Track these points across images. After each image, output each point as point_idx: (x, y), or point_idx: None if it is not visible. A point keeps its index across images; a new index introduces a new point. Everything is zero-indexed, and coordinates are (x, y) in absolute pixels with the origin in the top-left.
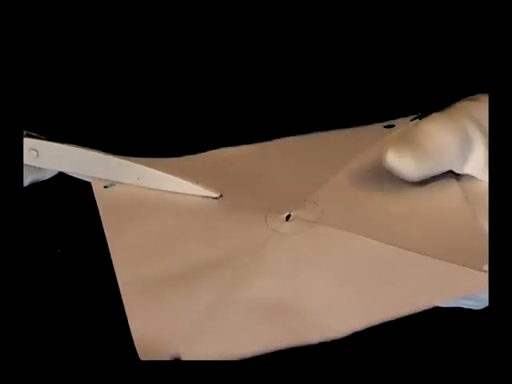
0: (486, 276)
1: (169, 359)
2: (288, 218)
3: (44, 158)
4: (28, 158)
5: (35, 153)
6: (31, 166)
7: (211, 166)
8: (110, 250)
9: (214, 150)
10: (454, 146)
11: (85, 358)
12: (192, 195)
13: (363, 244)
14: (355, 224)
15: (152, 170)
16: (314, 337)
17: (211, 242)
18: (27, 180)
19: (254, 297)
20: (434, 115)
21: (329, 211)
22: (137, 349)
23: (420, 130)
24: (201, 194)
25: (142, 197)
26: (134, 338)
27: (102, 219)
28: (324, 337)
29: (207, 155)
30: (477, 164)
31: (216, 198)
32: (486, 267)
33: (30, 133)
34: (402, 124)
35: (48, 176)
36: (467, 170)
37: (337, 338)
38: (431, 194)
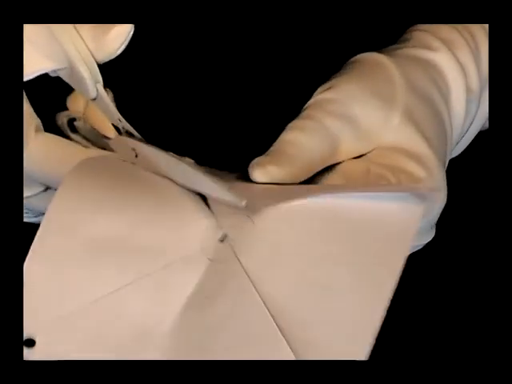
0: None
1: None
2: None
3: (141, 159)
4: (129, 157)
5: (134, 153)
6: None
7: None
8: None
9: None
10: (317, 147)
11: None
12: (220, 199)
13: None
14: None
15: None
16: None
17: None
18: None
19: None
20: (293, 123)
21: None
22: None
23: (282, 142)
24: (228, 199)
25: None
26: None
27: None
28: None
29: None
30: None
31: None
32: None
33: (132, 132)
34: None
35: None
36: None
37: None
38: None
